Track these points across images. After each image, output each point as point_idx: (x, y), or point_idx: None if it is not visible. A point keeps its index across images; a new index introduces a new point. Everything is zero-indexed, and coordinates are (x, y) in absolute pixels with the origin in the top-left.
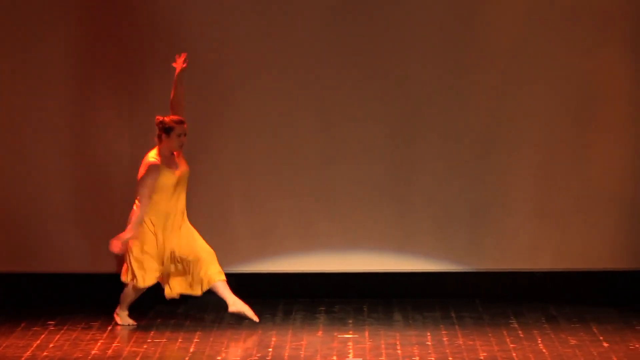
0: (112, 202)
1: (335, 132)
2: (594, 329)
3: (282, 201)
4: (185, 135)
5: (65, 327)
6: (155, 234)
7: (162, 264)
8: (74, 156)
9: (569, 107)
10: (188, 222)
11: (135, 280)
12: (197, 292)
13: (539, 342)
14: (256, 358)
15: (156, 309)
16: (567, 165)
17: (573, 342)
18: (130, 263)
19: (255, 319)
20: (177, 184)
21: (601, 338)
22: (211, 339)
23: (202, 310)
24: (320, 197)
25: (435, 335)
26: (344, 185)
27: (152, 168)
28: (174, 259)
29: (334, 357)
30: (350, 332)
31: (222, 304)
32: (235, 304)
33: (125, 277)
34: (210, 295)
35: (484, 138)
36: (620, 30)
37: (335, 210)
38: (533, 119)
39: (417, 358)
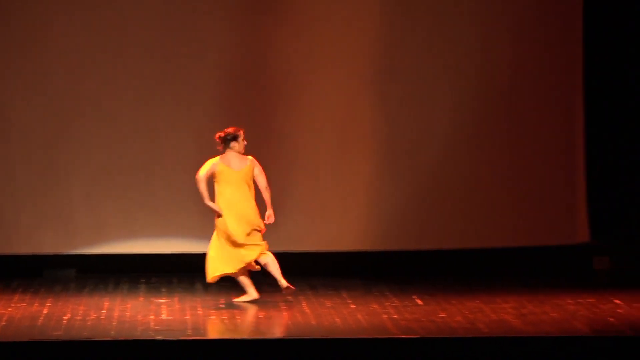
0: None
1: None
2: (344, 295)
3: (112, 200)
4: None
5: None
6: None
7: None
8: None
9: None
10: None
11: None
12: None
13: (304, 304)
14: (94, 317)
15: (17, 281)
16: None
17: (329, 304)
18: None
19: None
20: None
21: (349, 301)
22: (60, 303)
23: (55, 282)
24: (141, 194)
25: (227, 299)
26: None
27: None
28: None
29: (152, 316)
30: (164, 298)
31: (68, 276)
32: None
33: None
34: (60, 270)
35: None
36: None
37: (153, 204)
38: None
39: (214, 316)
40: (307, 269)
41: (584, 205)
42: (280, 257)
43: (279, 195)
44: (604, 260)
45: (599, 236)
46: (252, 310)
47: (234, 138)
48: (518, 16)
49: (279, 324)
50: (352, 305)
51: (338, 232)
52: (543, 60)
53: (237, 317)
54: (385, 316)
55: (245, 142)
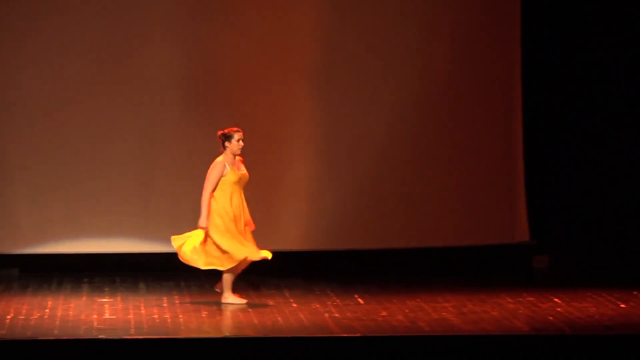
0: None
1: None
2: (286, 294)
3: (55, 200)
4: (243, 140)
5: None
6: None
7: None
8: None
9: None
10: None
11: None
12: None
13: (247, 304)
14: (37, 316)
15: None
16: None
17: (271, 303)
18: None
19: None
20: (239, 182)
21: (291, 300)
22: (2, 302)
23: None
24: (84, 194)
25: (170, 299)
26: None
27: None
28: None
29: (95, 315)
30: (107, 297)
31: (11, 275)
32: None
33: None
34: (3, 269)
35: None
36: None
37: (96, 204)
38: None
39: (156, 316)
40: (249, 269)
41: (523, 205)
42: None
43: None
44: (544, 259)
45: (538, 235)
46: (195, 310)
47: (227, 138)
48: (457, 19)
49: (222, 323)
50: (294, 304)
51: (279, 231)
52: (482, 63)
53: (179, 316)
54: (327, 315)
55: (241, 144)
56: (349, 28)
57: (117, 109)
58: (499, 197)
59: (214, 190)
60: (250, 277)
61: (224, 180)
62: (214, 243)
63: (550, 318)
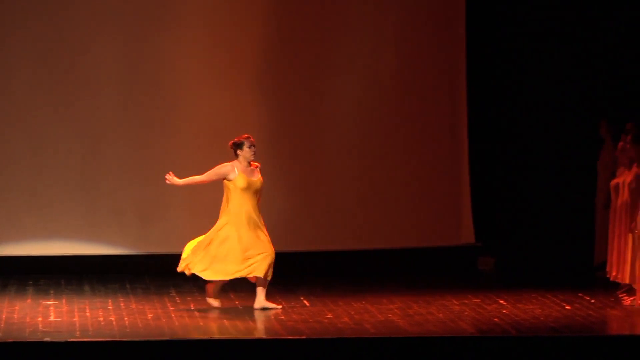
0: None
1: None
2: (232, 296)
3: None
4: (255, 146)
5: None
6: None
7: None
8: None
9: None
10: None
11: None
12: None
13: (192, 306)
14: None
15: None
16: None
17: (217, 305)
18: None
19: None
20: (249, 188)
21: (237, 302)
22: None
23: None
24: (27, 196)
25: (115, 301)
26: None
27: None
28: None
29: (40, 318)
30: (52, 300)
31: None
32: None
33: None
34: None
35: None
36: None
37: (40, 205)
38: None
39: (102, 318)
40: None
41: (468, 207)
42: (166, 259)
43: (161, 197)
44: (489, 261)
45: (483, 237)
46: (140, 312)
47: (238, 146)
48: (403, 20)
49: (166, 325)
50: (240, 307)
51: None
52: (427, 66)
53: (125, 318)
54: (272, 317)
55: (254, 150)
56: (294, 34)
57: (59, 112)
58: (444, 200)
59: (207, 180)
60: (197, 281)
61: (232, 186)
62: (208, 244)
63: (496, 320)
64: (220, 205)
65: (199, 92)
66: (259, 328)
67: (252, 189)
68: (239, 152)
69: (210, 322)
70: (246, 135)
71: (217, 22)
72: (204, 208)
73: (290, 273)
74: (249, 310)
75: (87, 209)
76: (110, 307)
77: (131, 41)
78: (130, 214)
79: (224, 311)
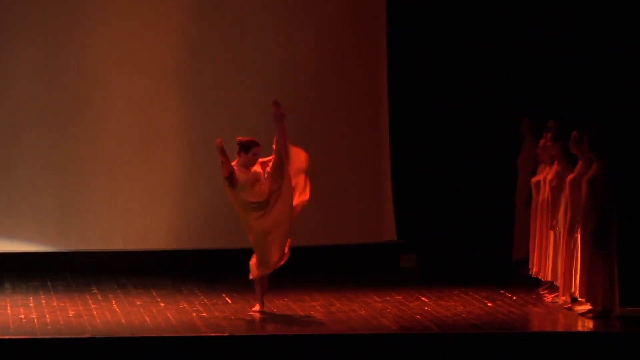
0: None
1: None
2: (154, 293)
3: None
4: (259, 154)
5: None
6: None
7: None
8: None
9: None
10: None
11: None
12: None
13: (113, 303)
14: None
15: None
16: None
17: (138, 303)
18: None
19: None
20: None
21: (159, 300)
22: None
23: None
24: None
25: (36, 299)
26: None
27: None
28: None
29: None
30: None
31: None
32: None
33: None
34: None
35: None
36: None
37: None
38: None
39: (23, 315)
40: (116, 268)
41: (390, 205)
42: (87, 256)
43: (84, 195)
44: (411, 258)
45: (405, 235)
46: (61, 310)
47: (243, 148)
48: (323, 16)
49: (88, 322)
50: (162, 304)
51: (146, 230)
52: (347, 62)
53: (46, 316)
54: (194, 314)
55: (257, 158)
56: (213, 26)
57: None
58: (366, 197)
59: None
60: (118, 278)
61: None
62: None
63: (418, 317)
64: None
65: (118, 90)
66: (181, 325)
67: None
68: (242, 153)
69: (132, 319)
70: (255, 141)
71: (138, 19)
72: (126, 205)
73: (212, 270)
74: (170, 308)
75: (7, 205)
76: (31, 305)
77: (51, 31)
78: (53, 208)
79: (143, 307)
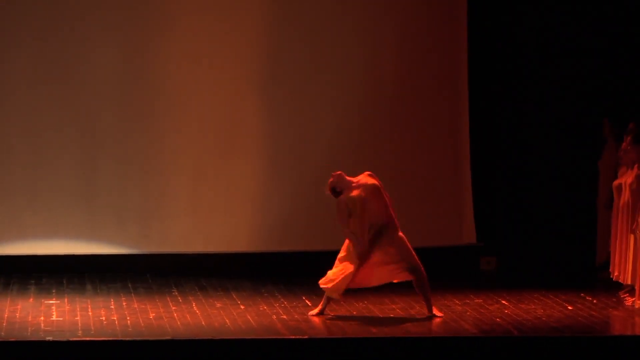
0: None
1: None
2: (234, 296)
3: None
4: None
5: None
6: None
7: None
8: None
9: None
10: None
11: None
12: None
13: (194, 305)
14: None
15: None
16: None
17: (219, 305)
18: None
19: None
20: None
21: (239, 302)
22: None
23: None
24: (27, 195)
25: (117, 300)
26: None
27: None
28: None
29: (42, 317)
30: (54, 299)
31: None
32: None
33: None
34: None
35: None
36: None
37: (40, 204)
38: None
39: (104, 317)
40: (197, 270)
41: (470, 207)
42: (168, 258)
43: (166, 197)
44: (491, 261)
45: (486, 237)
46: (142, 311)
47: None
48: (402, 20)
49: (168, 324)
50: (242, 306)
51: (225, 233)
52: (428, 65)
53: (127, 318)
54: (274, 317)
55: (330, 193)
56: (293, 32)
57: (58, 110)
58: (446, 200)
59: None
60: (198, 280)
61: None
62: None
63: (498, 320)
64: None
65: (199, 92)
66: (261, 328)
67: None
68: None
69: (212, 322)
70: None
71: (218, 22)
72: (207, 207)
73: (291, 273)
74: (250, 310)
75: (88, 207)
76: (112, 307)
77: (129, 45)
78: (133, 212)
79: (223, 309)
